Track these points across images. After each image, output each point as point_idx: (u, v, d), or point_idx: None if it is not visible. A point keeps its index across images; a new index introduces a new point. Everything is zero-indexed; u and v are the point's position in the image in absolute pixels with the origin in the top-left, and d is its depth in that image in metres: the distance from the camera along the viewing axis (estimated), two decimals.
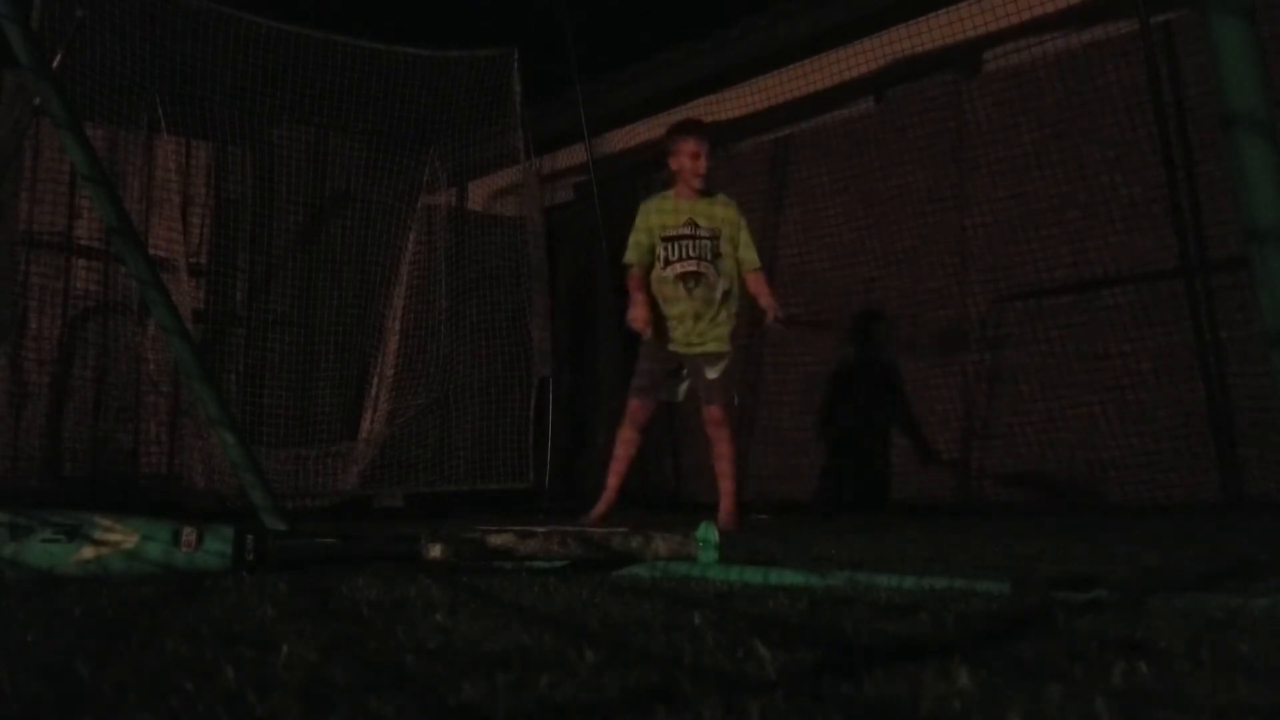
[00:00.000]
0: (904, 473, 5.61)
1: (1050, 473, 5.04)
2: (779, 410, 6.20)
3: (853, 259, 5.96)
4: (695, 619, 1.29)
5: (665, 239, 4.15)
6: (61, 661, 1.01)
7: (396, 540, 2.10)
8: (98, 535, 1.88)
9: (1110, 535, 3.10)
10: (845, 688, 0.87)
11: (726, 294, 4.18)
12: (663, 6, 6.44)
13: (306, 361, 6.30)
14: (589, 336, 7.46)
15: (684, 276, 4.11)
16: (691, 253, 4.11)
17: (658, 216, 4.19)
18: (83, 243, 5.69)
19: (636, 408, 4.19)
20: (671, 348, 4.17)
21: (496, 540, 1.98)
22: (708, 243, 4.13)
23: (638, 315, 4.09)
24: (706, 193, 4.19)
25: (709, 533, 2.05)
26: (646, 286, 4.22)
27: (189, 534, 1.91)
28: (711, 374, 4.09)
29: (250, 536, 1.96)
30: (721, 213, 4.18)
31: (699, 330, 4.12)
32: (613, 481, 4.18)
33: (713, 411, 4.10)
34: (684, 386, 4.25)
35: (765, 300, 4.20)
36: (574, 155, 7.53)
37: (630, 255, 4.23)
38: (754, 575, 1.82)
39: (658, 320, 4.17)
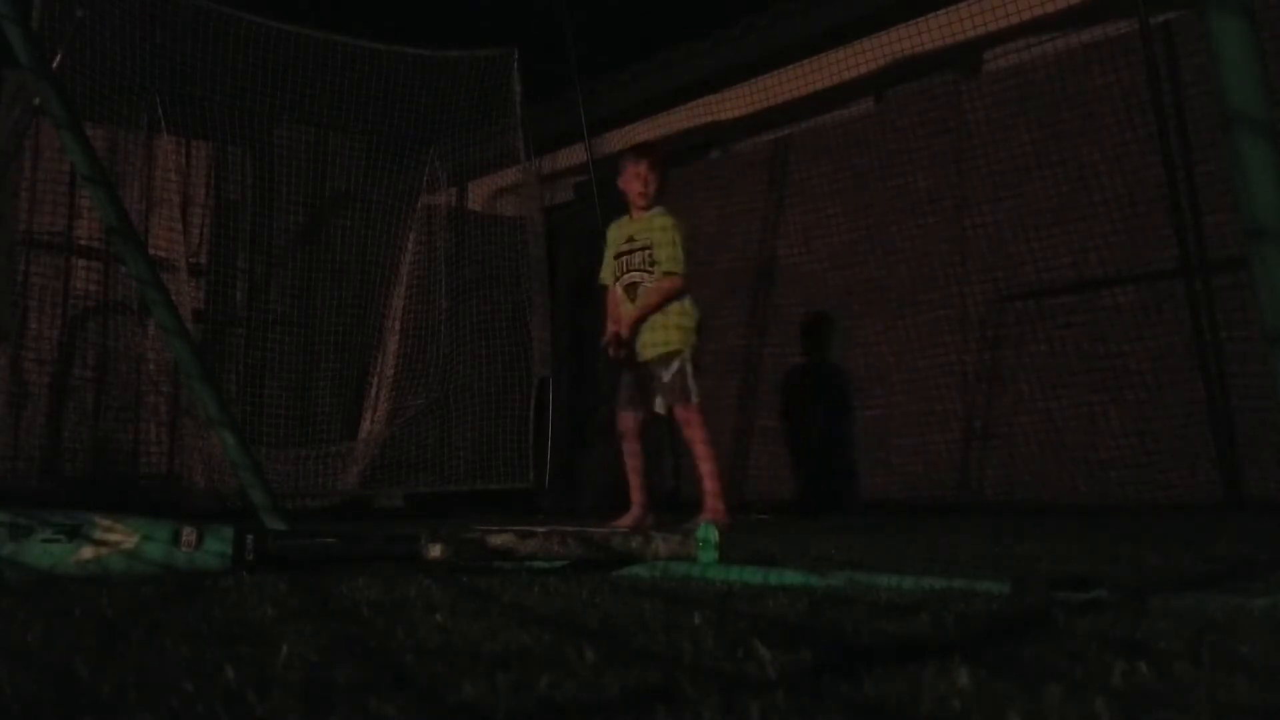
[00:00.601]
0: (904, 473, 5.61)
1: (1050, 473, 5.04)
2: (778, 410, 6.21)
3: (853, 259, 5.96)
4: (695, 619, 1.29)
5: (616, 256, 4.41)
6: (61, 661, 1.01)
7: (396, 540, 2.10)
8: (98, 535, 1.88)
9: (1110, 535, 3.10)
10: (845, 688, 0.87)
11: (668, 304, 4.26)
12: (663, 6, 6.43)
13: (306, 361, 6.31)
14: (589, 336, 7.45)
15: (628, 288, 4.33)
16: (632, 266, 4.32)
17: (613, 234, 4.49)
18: (83, 243, 5.69)
19: (622, 420, 4.36)
20: (634, 356, 4.32)
21: (496, 540, 1.98)
22: (640, 254, 4.31)
23: (609, 333, 4.33)
24: (649, 209, 4.39)
25: (709, 533, 2.05)
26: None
27: (189, 534, 1.91)
28: (665, 377, 4.16)
29: (250, 536, 1.96)
30: (653, 225, 4.33)
31: (643, 338, 4.26)
32: (636, 497, 4.27)
33: (677, 412, 4.21)
34: (659, 399, 4.29)
35: (618, 312, 4.30)
36: (574, 155, 7.53)
37: (603, 275, 4.51)
38: (754, 575, 1.82)
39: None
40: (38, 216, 5.56)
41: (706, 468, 4.15)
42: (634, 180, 4.36)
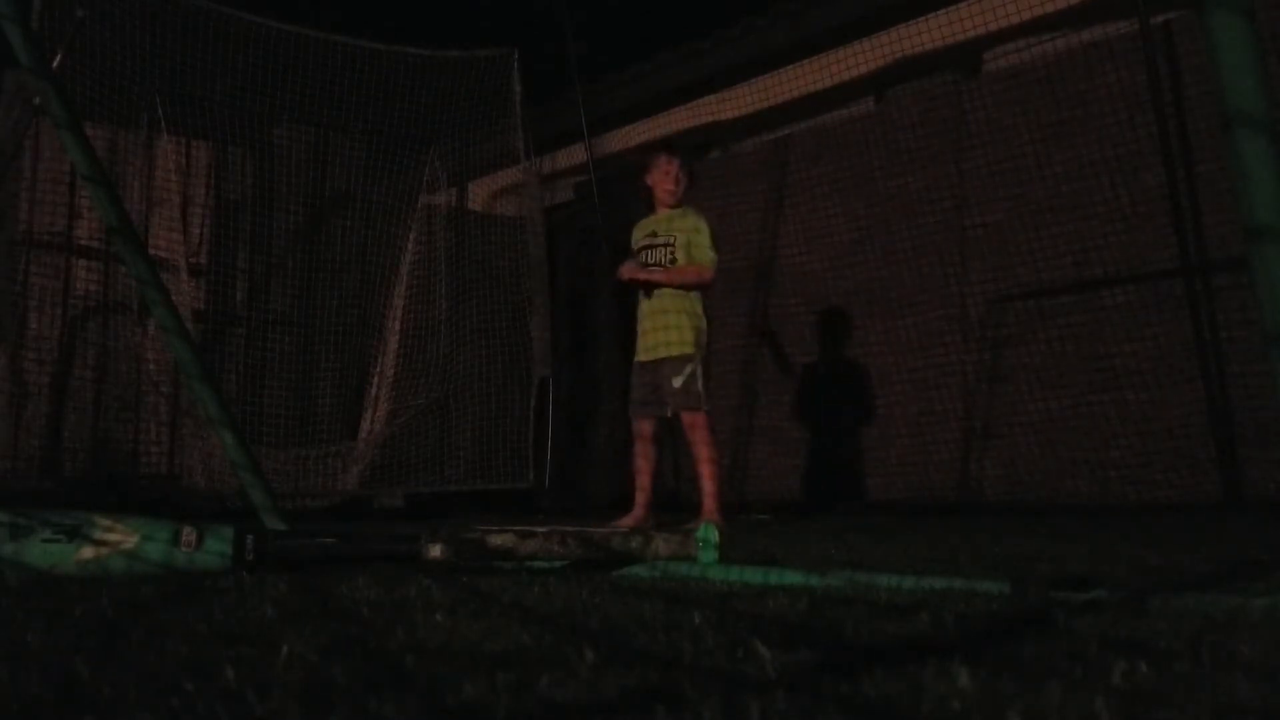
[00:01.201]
0: (904, 472, 5.61)
1: (1050, 473, 5.04)
2: (778, 410, 6.21)
3: (853, 259, 5.96)
4: (695, 619, 1.29)
5: (638, 250, 4.40)
6: (61, 661, 1.01)
7: (396, 540, 2.10)
8: (98, 535, 1.88)
9: (1110, 535, 3.10)
10: (845, 688, 0.87)
11: (679, 304, 4.24)
12: (663, 6, 6.44)
13: (306, 361, 6.31)
14: (589, 336, 7.46)
15: (645, 283, 4.33)
16: (650, 260, 4.31)
17: (637, 231, 4.47)
18: (83, 243, 5.69)
19: (636, 425, 4.36)
20: (644, 357, 4.33)
21: (496, 540, 1.98)
22: (663, 250, 4.31)
23: (628, 266, 4.34)
24: (677, 207, 4.39)
25: (709, 533, 2.05)
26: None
27: (189, 534, 1.91)
28: (676, 382, 4.17)
29: (250, 536, 1.96)
30: (680, 223, 4.33)
31: (654, 334, 4.27)
32: (640, 497, 4.29)
33: (684, 418, 4.23)
34: (668, 401, 4.30)
35: (648, 272, 4.30)
36: (574, 155, 7.53)
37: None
38: (754, 575, 1.82)
39: (637, 335, 4.39)
40: (38, 216, 5.56)
41: (708, 471, 4.16)
42: (664, 178, 4.35)
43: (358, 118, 6.15)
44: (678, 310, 4.23)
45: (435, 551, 1.95)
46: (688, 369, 4.19)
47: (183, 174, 6.06)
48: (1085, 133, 5.04)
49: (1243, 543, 2.77)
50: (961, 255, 5.50)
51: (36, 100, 4.79)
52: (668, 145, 4.64)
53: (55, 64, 4.71)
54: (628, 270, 4.34)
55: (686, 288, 4.25)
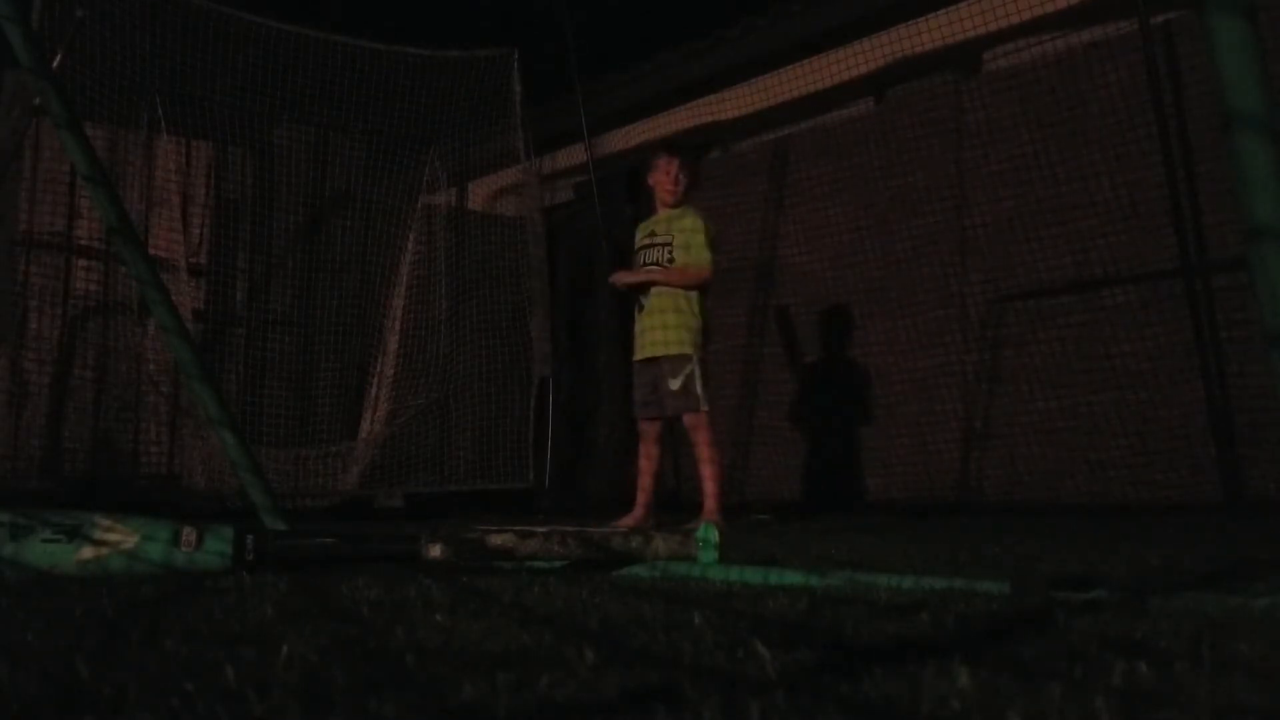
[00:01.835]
0: (904, 472, 5.61)
1: (1050, 473, 5.04)
2: (778, 410, 6.21)
3: (853, 259, 5.96)
4: (695, 619, 1.29)
5: (637, 249, 4.42)
6: (61, 661, 1.01)
7: (396, 540, 2.10)
8: (98, 535, 1.88)
9: (1110, 535, 3.10)
10: (845, 688, 0.87)
11: (676, 304, 4.24)
12: (663, 6, 6.43)
13: (306, 361, 6.31)
14: (589, 336, 7.46)
15: (642, 283, 4.34)
16: (648, 260, 4.32)
17: (639, 231, 4.49)
18: (83, 243, 5.69)
19: (644, 426, 4.37)
20: (640, 355, 4.33)
21: (496, 540, 1.98)
22: (661, 250, 4.31)
23: (619, 275, 4.40)
24: (677, 207, 4.39)
25: (709, 533, 2.05)
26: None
27: (189, 534, 1.91)
28: (672, 384, 4.16)
29: (250, 536, 1.96)
30: (679, 223, 4.33)
31: (650, 333, 4.28)
32: (641, 497, 4.29)
33: (686, 419, 4.24)
34: (667, 402, 4.29)
35: (645, 272, 4.31)
36: (574, 155, 7.52)
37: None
38: (754, 575, 1.82)
39: (635, 335, 4.40)
40: (38, 216, 5.56)
41: (710, 472, 4.16)
42: (664, 177, 4.36)
43: (358, 118, 6.15)
44: (675, 310, 4.23)
45: (435, 551, 1.95)
46: (685, 370, 4.18)
47: (183, 174, 6.06)
48: (1085, 132, 5.04)
49: (1243, 543, 2.77)
50: (961, 255, 5.50)
51: (36, 100, 4.79)
52: (668, 145, 4.64)
53: (55, 64, 4.71)
54: (620, 277, 4.37)
55: (683, 288, 4.24)
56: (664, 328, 4.24)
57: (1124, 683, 0.88)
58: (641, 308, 4.34)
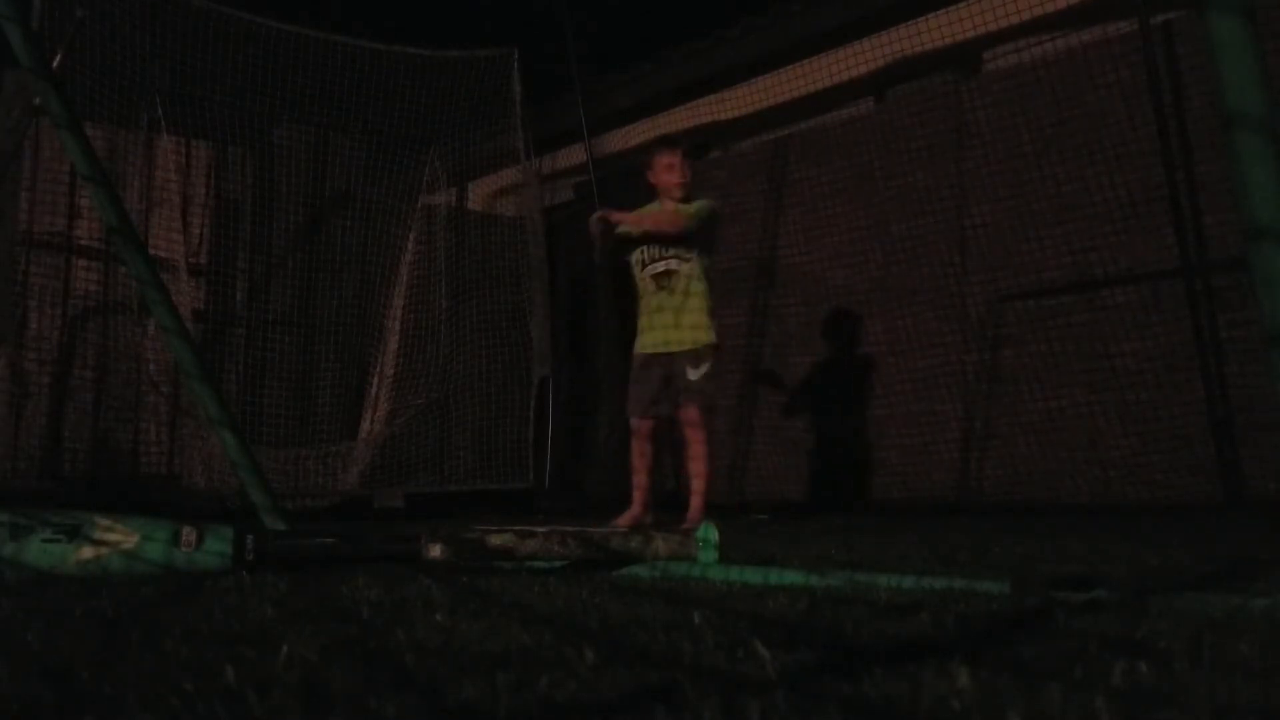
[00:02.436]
0: (904, 473, 5.61)
1: (1050, 473, 5.04)
2: (778, 410, 6.21)
3: (853, 259, 5.96)
4: (695, 619, 1.29)
5: (641, 247, 4.28)
6: (61, 661, 1.01)
7: (396, 540, 2.10)
8: (98, 535, 1.88)
9: (1110, 535, 3.10)
10: (845, 688, 0.87)
11: (698, 289, 4.21)
12: (663, 6, 6.43)
13: (306, 361, 6.31)
14: (589, 336, 7.46)
15: (658, 276, 4.22)
16: (666, 254, 4.21)
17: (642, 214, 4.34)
18: (83, 243, 5.69)
19: (637, 425, 4.27)
20: (655, 350, 4.22)
21: (496, 540, 1.98)
22: (679, 243, 4.22)
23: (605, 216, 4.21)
24: (686, 200, 4.29)
25: (709, 533, 2.05)
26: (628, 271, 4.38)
27: (189, 534, 1.91)
28: (693, 375, 4.11)
29: (250, 536, 1.96)
30: (690, 212, 4.25)
31: (676, 324, 4.17)
32: (637, 495, 4.25)
33: (690, 412, 4.12)
34: (678, 393, 4.25)
35: (634, 217, 4.23)
36: (574, 155, 7.52)
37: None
38: (754, 575, 1.82)
39: (642, 329, 4.29)
40: (38, 216, 5.56)
41: (702, 469, 4.14)
42: (669, 172, 4.25)
43: (358, 118, 6.15)
44: (703, 294, 4.14)
45: (435, 551, 1.95)
46: (705, 367, 4.10)
47: (183, 174, 6.06)
48: (1085, 133, 5.04)
49: (1243, 543, 2.77)
50: (961, 255, 5.51)
51: (36, 100, 4.79)
52: (667, 139, 4.55)
53: (55, 64, 4.71)
54: (609, 214, 4.19)
55: (672, 230, 4.16)
56: (690, 312, 4.14)
57: (1124, 683, 0.88)
58: (659, 290, 4.21)
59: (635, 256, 4.30)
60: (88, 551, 1.86)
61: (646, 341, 4.24)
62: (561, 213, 7.78)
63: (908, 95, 5.91)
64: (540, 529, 2.11)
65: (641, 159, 4.53)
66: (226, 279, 6.09)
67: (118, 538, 1.88)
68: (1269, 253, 1.23)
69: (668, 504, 6.12)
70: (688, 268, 4.19)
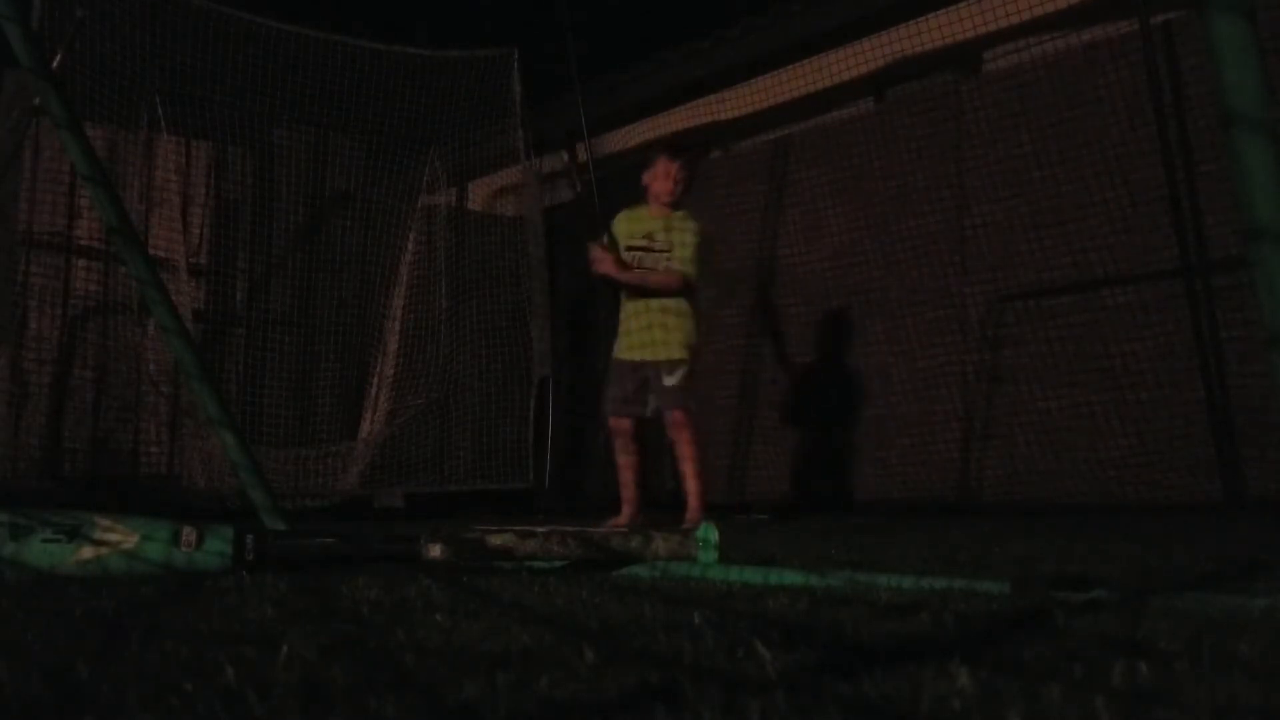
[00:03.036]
0: (904, 473, 5.61)
1: (1050, 473, 5.04)
2: (778, 410, 6.21)
3: (852, 259, 5.96)
4: (695, 619, 1.29)
5: (628, 248, 4.31)
6: (61, 661, 1.01)
7: (396, 540, 2.10)
8: (98, 535, 1.88)
9: (1110, 535, 3.10)
10: (845, 688, 0.87)
11: (679, 306, 4.23)
12: (663, 6, 6.43)
13: (306, 361, 6.31)
14: (589, 336, 7.46)
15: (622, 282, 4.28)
16: (646, 264, 4.25)
17: (625, 224, 4.38)
18: (83, 243, 5.69)
19: (614, 426, 4.31)
20: (631, 355, 4.26)
21: (496, 540, 1.98)
22: (661, 255, 4.26)
23: (601, 258, 4.25)
24: (675, 210, 4.34)
25: (709, 533, 2.05)
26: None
27: (189, 534, 1.91)
28: (668, 381, 4.14)
29: (250, 536, 1.96)
30: (679, 233, 4.27)
31: (653, 338, 4.21)
32: (627, 495, 4.27)
33: (674, 416, 4.17)
34: (652, 400, 4.27)
35: (628, 272, 4.25)
36: (574, 155, 7.52)
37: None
38: (754, 575, 1.82)
39: (620, 334, 4.34)
40: (38, 216, 5.56)
41: (694, 469, 4.16)
42: (664, 178, 4.29)
43: (358, 118, 6.15)
44: (676, 312, 4.21)
45: (435, 551, 1.95)
46: (680, 372, 4.16)
47: (183, 174, 6.07)
48: (1085, 133, 5.04)
49: (1243, 543, 2.77)
50: (961, 255, 5.51)
51: (36, 100, 4.79)
52: (669, 146, 4.59)
53: (55, 64, 4.71)
54: (601, 263, 4.24)
55: (658, 294, 4.20)
56: (664, 328, 4.20)
57: (1124, 683, 0.88)
58: (629, 298, 4.27)
59: (625, 258, 4.32)
60: (88, 551, 1.86)
61: (623, 346, 4.31)
62: (561, 213, 7.78)
63: (908, 95, 5.91)
64: (540, 529, 2.11)
65: (643, 156, 4.56)
66: (226, 279, 6.09)
67: (118, 538, 1.88)
68: (1269, 253, 1.23)
69: (668, 504, 6.12)
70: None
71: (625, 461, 4.28)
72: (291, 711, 0.80)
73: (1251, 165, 1.23)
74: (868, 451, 5.79)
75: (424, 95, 6.18)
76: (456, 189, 7.17)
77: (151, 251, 5.21)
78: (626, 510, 4.23)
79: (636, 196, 4.49)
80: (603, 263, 4.25)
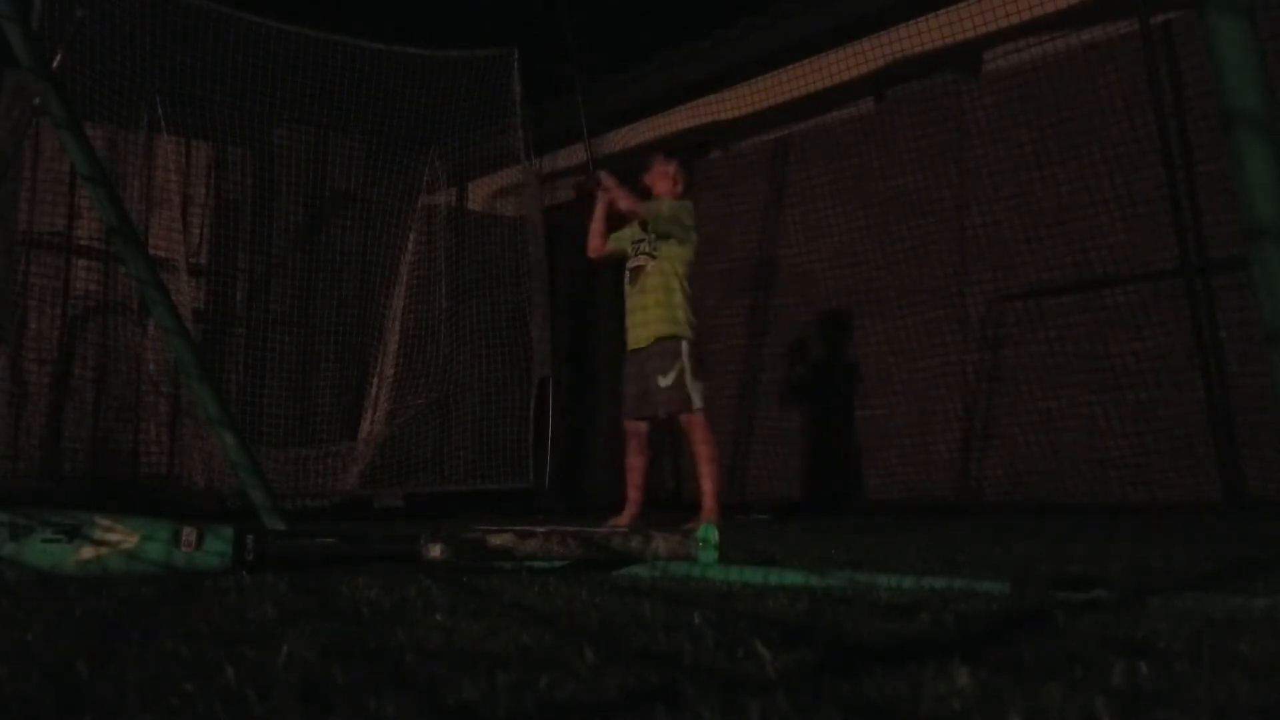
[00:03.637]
0: (904, 472, 5.61)
1: (1050, 472, 5.04)
2: (778, 410, 6.21)
3: (853, 259, 5.96)
4: (695, 619, 1.29)
5: (631, 244, 4.40)
6: (61, 661, 1.01)
7: (396, 540, 2.10)
8: (98, 535, 1.88)
9: (1110, 535, 3.10)
10: (845, 688, 0.87)
11: (665, 284, 4.22)
12: (663, 6, 6.44)
13: (306, 361, 6.31)
14: (589, 336, 7.46)
15: (631, 271, 4.34)
16: (642, 250, 4.31)
17: (626, 228, 4.46)
18: (83, 243, 5.69)
19: (629, 429, 4.33)
20: (630, 346, 4.31)
21: (496, 540, 1.98)
22: (648, 242, 4.31)
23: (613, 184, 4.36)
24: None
25: (709, 533, 2.05)
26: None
27: (189, 534, 1.91)
28: (662, 383, 4.13)
29: (250, 536, 1.96)
30: (655, 201, 4.34)
31: (641, 314, 4.24)
32: (633, 494, 4.27)
33: (683, 420, 4.20)
34: (658, 402, 4.27)
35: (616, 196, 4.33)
36: (574, 155, 7.52)
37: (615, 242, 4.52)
38: (754, 575, 1.82)
39: (627, 329, 4.38)
40: (38, 216, 5.56)
41: (708, 470, 4.14)
42: (664, 179, 4.40)
43: (358, 118, 6.15)
44: (664, 288, 4.19)
45: (435, 551, 1.95)
46: (675, 365, 4.12)
47: (183, 174, 6.06)
48: (1085, 133, 5.04)
49: (1243, 543, 2.77)
50: (961, 255, 5.51)
51: (36, 100, 4.79)
52: (666, 150, 4.73)
53: (55, 64, 4.71)
54: (612, 190, 4.32)
55: (630, 212, 4.26)
56: (644, 309, 4.21)
57: (1124, 683, 0.88)
58: (630, 285, 4.30)
59: (629, 255, 4.39)
60: (88, 551, 1.86)
61: (628, 339, 4.35)
62: (561, 213, 7.78)
63: (908, 95, 5.91)
64: (540, 529, 2.11)
65: (643, 160, 4.63)
66: (226, 279, 6.09)
67: (118, 538, 1.88)
68: (1269, 253, 1.23)
69: (668, 504, 6.13)
70: (654, 265, 4.25)
71: (634, 463, 4.29)
72: (291, 711, 0.80)
73: (1251, 165, 1.23)
74: (868, 451, 5.79)
75: (424, 95, 6.18)
76: (456, 189, 7.17)
77: (151, 251, 5.22)
78: (629, 509, 4.24)
79: (636, 196, 4.51)
80: (613, 190, 4.33)
